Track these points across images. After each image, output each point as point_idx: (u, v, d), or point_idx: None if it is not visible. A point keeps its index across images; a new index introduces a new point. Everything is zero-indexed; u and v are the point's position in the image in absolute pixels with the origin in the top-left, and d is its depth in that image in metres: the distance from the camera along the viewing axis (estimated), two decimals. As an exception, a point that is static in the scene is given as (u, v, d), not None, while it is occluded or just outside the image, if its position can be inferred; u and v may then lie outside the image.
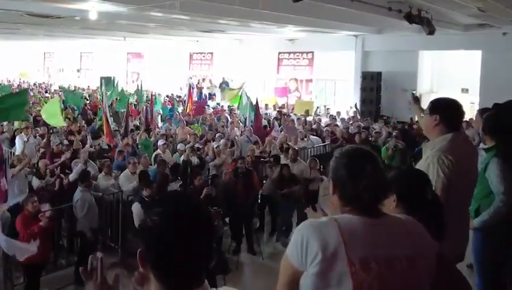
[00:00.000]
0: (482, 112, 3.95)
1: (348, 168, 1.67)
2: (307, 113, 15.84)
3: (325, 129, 12.90)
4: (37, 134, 10.97)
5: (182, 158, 8.74)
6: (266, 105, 17.85)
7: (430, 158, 2.66)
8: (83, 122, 13.06)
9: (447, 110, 2.76)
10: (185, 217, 1.22)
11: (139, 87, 16.62)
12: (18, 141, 9.80)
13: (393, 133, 10.82)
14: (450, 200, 2.67)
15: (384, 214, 1.66)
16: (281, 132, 11.88)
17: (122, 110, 15.55)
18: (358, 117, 15.19)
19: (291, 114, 15.76)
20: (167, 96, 20.44)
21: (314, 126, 13.38)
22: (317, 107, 17.35)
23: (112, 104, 15.17)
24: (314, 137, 11.81)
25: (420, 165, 2.72)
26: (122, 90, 17.45)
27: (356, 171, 1.65)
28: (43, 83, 28.11)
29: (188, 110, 14.72)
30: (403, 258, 1.57)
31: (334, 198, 1.71)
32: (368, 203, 1.63)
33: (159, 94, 19.29)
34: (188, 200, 1.29)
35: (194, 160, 8.65)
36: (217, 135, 11.01)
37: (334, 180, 1.71)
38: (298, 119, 14.04)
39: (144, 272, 1.24)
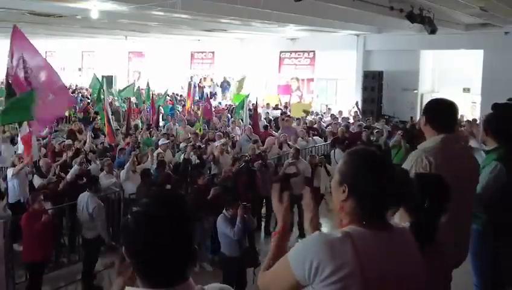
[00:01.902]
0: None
1: (370, 174, 1.56)
2: (307, 114, 15.84)
3: (326, 129, 12.90)
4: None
5: (181, 157, 8.77)
6: (268, 104, 17.84)
7: (411, 156, 2.64)
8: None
9: (434, 111, 2.73)
10: (159, 216, 1.24)
11: (147, 86, 16.53)
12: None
13: (398, 132, 10.82)
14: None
15: (391, 226, 1.62)
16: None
17: (124, 109, 15.61)
18: (360, 116, 15.17)
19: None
20: (168, 95, 20.43)
21: (315, 126, 13.35)
22: (317, 112, 17.27)
23: (111, 103, 15.18)
24: (316, 137, 11.83)
25: (405, 164, 2.70)
26: (137, 89, 17.28)
27: (379, 179, 1.55)
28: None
29: (188, 109, 14.76)
30: (411, 274, 1.58)
31: (346, 205, 1.60)
32: (383, 214, 1.57)
33: (158, 93, 19.29)
34: (164, 199, 1.30)
35: (194, 159, 8.67)
36: (217, 133, 10.99)
37: (352, 186, 1.58)
38: (297, 119, 14.04)
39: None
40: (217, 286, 1.47)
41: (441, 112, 2.74)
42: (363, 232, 1.53)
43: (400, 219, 2.09)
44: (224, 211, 5.67)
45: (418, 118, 14.35)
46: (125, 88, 15.77)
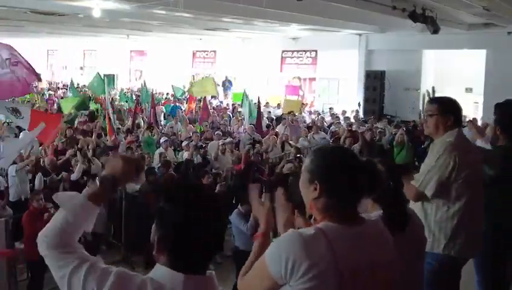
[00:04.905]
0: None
1: (341, 169, 1.57)
2: (299, 111, 15.78)
3: (328, 129, 12.90)
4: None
5: (184, 155, 8.77)
6: (267, 103, 17.81)
7: (439, 149, 2.76)
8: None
9: (458, 111, 2.90)
10: (199, 205, 1.33)
11: (144, 85, 16.56)
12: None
13: (401, 129, 10.76)
14: (456, 193, 2.74)
15: (363, 220, 1.63)
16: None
17: (125, 108, 15.62)
18: (361, 116, 15.15)
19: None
20: (167, 98, 20.42)
21: (318, 124, 13.35)
22: (319, 112, 17.19)
23: (112, 102, 15.17)
24: (321, 133, 11.84)
25: (432, 155, 2.80)
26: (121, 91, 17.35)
27: (351, 173, 1.56)
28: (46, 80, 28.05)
29: (190, 108, 14.78)
30: (385, 265, 1.60)
31: (319, 202, 1.60)
32: (354, 208, 1.60)
33: (160, 92, 19.29)
34: (202, 190, 1.41)
35: (197, 158, 8.66)
36: (216, 133, 10.90)
37: (324, 183, 1.58)
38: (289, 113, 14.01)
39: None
40: None
41: (461, 109, 2.94)
42: (336, 227, 1.55)
43: (370, 209, 2.12)
44: (239, 206, 5.83)
45: (419, 118, 14.33)
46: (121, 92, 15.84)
